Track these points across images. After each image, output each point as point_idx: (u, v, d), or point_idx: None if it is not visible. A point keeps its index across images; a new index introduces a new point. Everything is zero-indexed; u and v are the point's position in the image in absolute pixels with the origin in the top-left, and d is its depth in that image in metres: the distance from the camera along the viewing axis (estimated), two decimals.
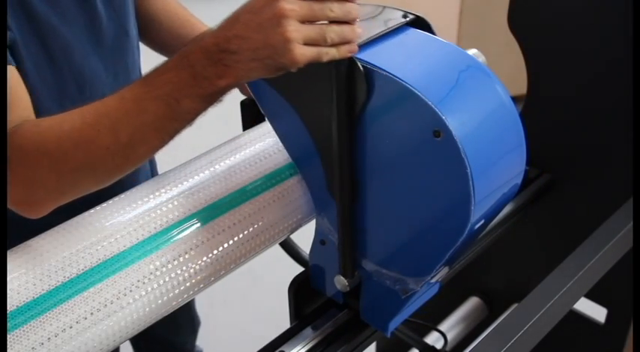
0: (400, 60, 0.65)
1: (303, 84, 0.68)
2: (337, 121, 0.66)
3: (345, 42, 0.61)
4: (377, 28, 0.68)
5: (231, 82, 0.61)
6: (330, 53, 0.60)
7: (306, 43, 0.59)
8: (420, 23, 0.71)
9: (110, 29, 0.86)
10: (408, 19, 0.70)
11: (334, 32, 0.60)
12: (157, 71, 0.63)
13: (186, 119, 0.63)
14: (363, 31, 0.63)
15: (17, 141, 0.66)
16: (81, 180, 0.67)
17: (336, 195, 0.71)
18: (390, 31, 0.68)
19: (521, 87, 1.13)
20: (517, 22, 1.09)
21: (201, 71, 0.60)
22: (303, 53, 0.59)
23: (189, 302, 1.09)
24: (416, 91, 0.60)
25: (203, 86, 0.61)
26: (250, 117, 0.88)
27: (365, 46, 0.66)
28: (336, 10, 0.59)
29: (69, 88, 0.82)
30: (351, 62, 0.63)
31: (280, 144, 0.78)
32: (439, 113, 0.59)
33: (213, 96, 0.62)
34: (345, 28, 0.60)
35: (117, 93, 0.65)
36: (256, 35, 0.58)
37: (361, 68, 0.63)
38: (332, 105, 0.65)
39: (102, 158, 0.64)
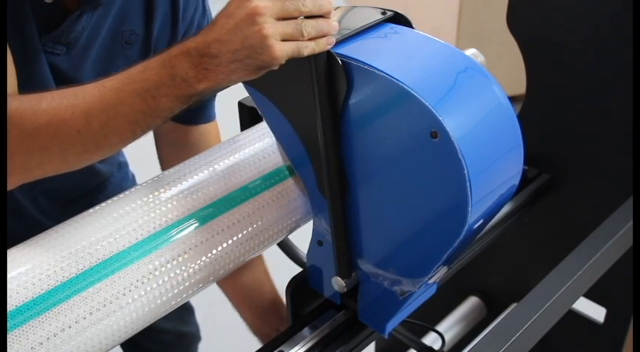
0: (398, 60, 0.65)
1: (285, 84, 0.68)
2: (321, 118, 0.66)
3: (323, 35, 0.62)
4: (355, 25, 0.69)
5: (210, 86, 0.62)
6: (310, 47, 0.61)
7: (284, 39, 0.60)
8: (400, 20, 0.72)
9: None
10: (386, 15, 0.71)
11: (310, 26, 0.61)
12: (139, 67, 0.64)
13: (160, 116, 0.64)
14: (337, 25, 0.64)
15: None
16: (48, 159, 0.67)
17: (326, 194, 0.71)
18: (370, 28, 0.69)
19: (520, 86, 1.13)
20: (516, 22, 1.09)
21: (181, 73, 0.61)
22: (283, 48, 0.60)
23: None
24: (413, 92, 0.60)
25: (181, 87, 0.62)
26: (248, 117, 0.89)
27: (344, 41, 0.66)
28: (309, 4, 0.60)
29: None
30: (329, 56, 0.64)
31: None
32: (436, 114, 0.60)
33: (190, 98, 0.63)
34: (320, 22, 0.61)
35: (98, 81, 0.66)
36: (234, 37, 0.59)
37: (339, 61, 0.64)
38: (314, 103, 0.66)
39: (72, 140, 0.65)
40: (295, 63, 0.62)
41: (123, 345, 0.71)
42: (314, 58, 0.63)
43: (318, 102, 0.65)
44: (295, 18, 0.60)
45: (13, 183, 0.67)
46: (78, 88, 0.66)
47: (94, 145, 0.66)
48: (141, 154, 1.22)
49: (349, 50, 0.65)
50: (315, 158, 0.71)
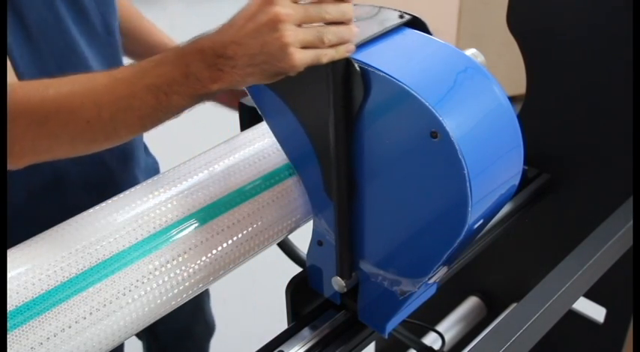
0: (398, 61, 0.65)
1: (300, 86, 0.68)
2: (335, 123, 0.66)
3: (343, 42, 0.61)
4: (374, 29, 0.68)
5: (223, 87, 0.61)
6: (329, 54, 0.60)
7: (304, 47, 0.59)
8: (416, 23, 0.71)
9: (98, 25, 0.87)
10: (404, 19, 0.70)
11: (331, 33, 0.60)
12: (152, 61, 0.63)
13: (171, 112, 0.64)
14: (359, 31, 0.63)
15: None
16: (57, 146, 0.67)
17: (334, 196, 0.71)
18: (386, 32, 0.68)
19: (520, 86, 1.13)
20: (516, 21, 1.09)
21: (195, 72, 0.60)
22: (302, 57, 0.59)
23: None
24: (413, 92, 0.60)
25: (194, 87, 0.61)
26: (248, 117, 0.89)
27: (362, 46, 0.66)
28: (332, 11, 0.59)
29: (49, 69, 0.81)
30: (347, 63, 0.63)
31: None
32: (436, 114, 0.60)
33: (203, 97, 0.63)
34: (341, 29, 0.61)
35: (108, 71, 0.65)
36: (253, 41, 0.58)
37: (358, 68, 0.63)
38: (329, 107, 0.65)
39: (81, 129, 0.64)
40: (313, 67, 0.61)
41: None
42: (332, 64, 0.62)
43: (332, 107, 0.65)
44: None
45: (23, 163, 0.67)
46: (89, 75, 0.65)
47: (102, 136, 0.65)
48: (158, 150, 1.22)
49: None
50: (324, 160, 0.71)
